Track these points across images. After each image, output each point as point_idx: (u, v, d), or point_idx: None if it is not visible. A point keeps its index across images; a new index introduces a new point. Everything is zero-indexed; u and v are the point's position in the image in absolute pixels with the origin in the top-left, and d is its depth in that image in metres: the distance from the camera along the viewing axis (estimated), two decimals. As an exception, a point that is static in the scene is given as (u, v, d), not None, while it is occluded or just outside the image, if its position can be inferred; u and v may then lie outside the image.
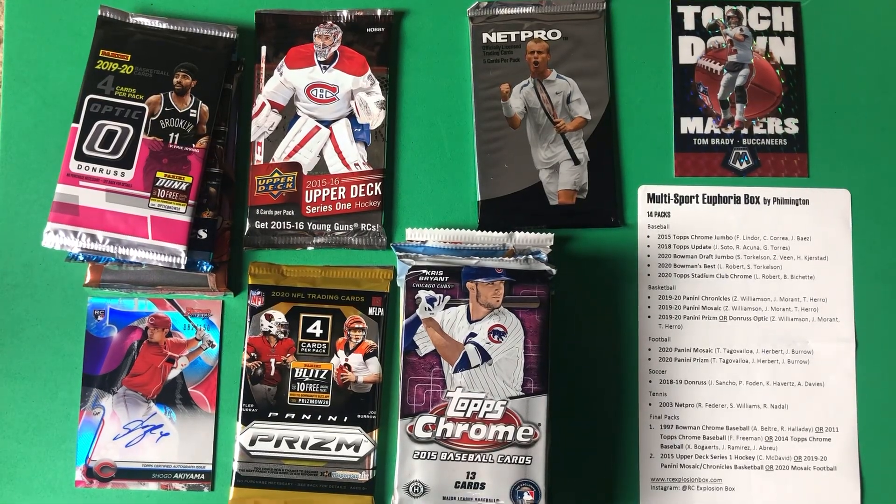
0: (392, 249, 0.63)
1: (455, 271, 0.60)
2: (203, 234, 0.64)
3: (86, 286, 0.65)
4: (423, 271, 0.60)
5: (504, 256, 0.61)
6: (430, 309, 0.59)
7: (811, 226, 0.68)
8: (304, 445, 0.63)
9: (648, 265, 0.67)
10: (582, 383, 0.65)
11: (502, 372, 0.58)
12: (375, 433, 0.64)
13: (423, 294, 0.59)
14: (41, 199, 0.66)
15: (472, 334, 0.59)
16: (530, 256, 0.60)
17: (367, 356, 0.65)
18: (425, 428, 0.58)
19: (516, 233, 0.63)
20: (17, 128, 0.68)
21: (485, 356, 0.59)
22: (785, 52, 0.70)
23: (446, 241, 0.62)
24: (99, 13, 0.67)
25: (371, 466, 0.64)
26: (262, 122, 0.68)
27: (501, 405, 0.58)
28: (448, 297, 0.59)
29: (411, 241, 0.63)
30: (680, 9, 0.70)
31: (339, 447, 0.63)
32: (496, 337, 0.59)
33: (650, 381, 0.66)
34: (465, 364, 0.59)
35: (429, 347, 0.59)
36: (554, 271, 0.60)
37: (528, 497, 0.58)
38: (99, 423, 0.65)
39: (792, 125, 0.69)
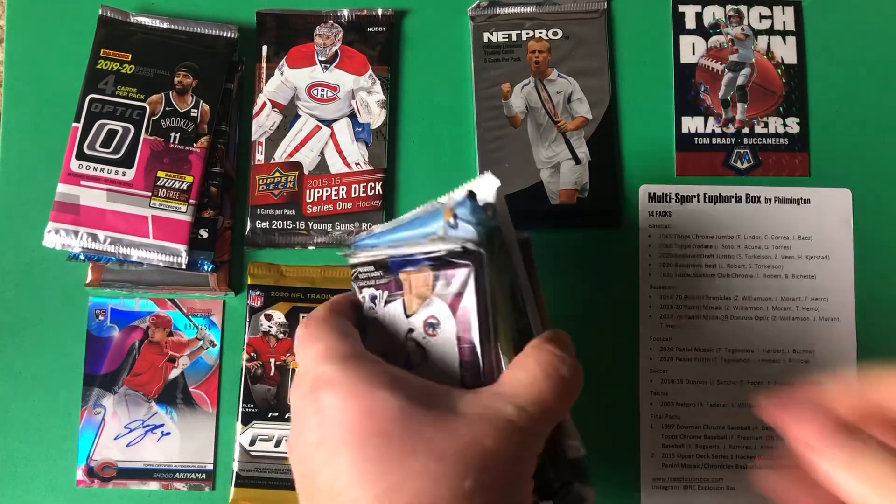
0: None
1: (384, 264, 0.50)
2: (204, 234, 0.64)
3: (87, 286, 0.65)
4: (360, 268, 0.52)
5: (435, 237, 0.48)
6: (373, 308, 0.51)
7: (812, 225, 0.68)
8: (304, 445, 0.63)
9: (650, 265, 0.67)
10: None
11: (439, 368, 0.48)
12: (376, 433, 0.64)
13: (366, 293, 0.51)
14: (42, 199, 0.66)
15: (411, 330, 0.49)
16: (459, 221, 0.47)
17: (367, 356, 0.64)
18: None
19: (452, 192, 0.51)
20: (17, 127, 0.68)
21: (423, 354, 0.49)
22: (786, 51, 0.70)
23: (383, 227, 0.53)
24: (99, 13, 0.67)
25: (372, 466, 0.63)
26: (263, 122, 0.68)
27: None
28: (386, 293, 0.50)
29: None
30: (681, 8, 0.70)
31: (339, 447, 0.63)
32: (431, 330, 0.49)
33: (651, 381, 0.66)
34: (409, 365, 0.49)
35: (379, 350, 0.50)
36: (476, 235, 0.46)
37: None
38: (100, 423, 0.65)
39: (793, 124, 0.69)
